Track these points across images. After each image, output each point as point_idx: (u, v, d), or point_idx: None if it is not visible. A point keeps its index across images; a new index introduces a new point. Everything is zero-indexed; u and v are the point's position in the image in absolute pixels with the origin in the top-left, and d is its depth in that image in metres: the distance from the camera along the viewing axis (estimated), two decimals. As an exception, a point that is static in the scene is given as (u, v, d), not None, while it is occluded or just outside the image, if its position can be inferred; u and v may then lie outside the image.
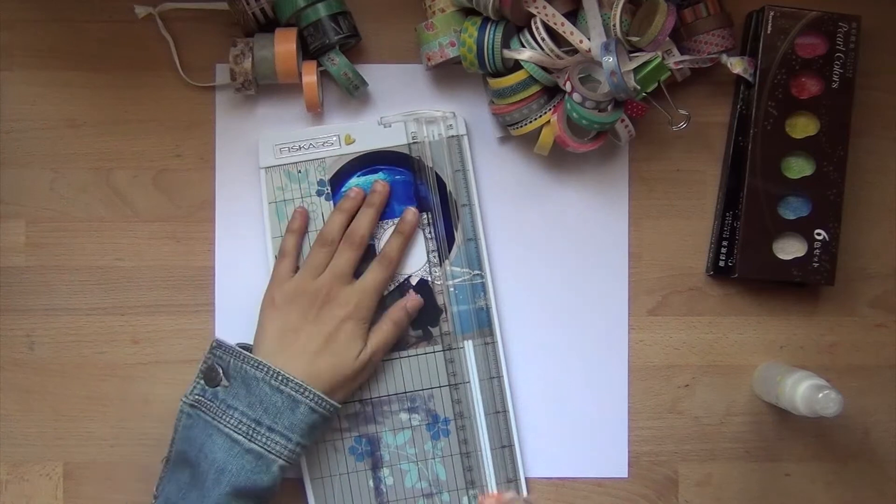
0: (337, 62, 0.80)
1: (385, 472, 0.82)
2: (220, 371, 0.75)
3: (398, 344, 0.82)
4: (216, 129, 0.83)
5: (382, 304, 0.82)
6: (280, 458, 0.73)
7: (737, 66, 0.80)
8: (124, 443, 0.84)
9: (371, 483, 0.82)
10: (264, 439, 0.73)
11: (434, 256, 0.82)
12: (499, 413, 0.82)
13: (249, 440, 0.73)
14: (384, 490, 0.82)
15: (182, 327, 0.84)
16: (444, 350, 0.82)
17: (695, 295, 0.85)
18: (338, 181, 0.83)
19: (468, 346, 0.82)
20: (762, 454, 0.85)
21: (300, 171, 0.82)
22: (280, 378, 0.74)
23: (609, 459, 0.84)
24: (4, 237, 0.83)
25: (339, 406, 0.77)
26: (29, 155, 0.83)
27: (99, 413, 0.84)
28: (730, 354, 0.85)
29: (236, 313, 0.83)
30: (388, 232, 0.82)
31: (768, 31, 0.80)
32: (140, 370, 0.83)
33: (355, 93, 0.82)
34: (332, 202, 0.82)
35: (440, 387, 0.82)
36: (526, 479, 0.83)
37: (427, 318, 0.83)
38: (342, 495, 0.82)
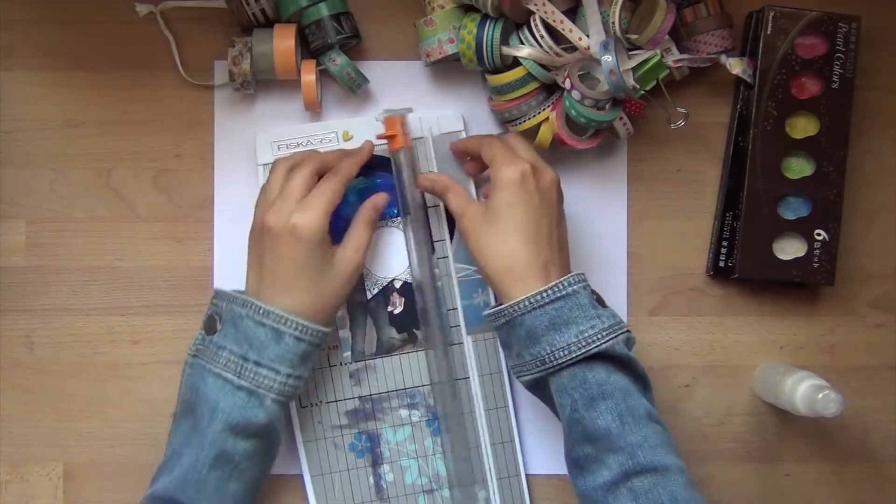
0: (338, 62, 0.80)
1: (385, 468, 0.82)
2: (217, 318, 0.74)
3: (385, 347, 0.82)
4: (215, 129, 0.83)
5: (366, 309, 0.82)
6: (270, 391, 0.72)
7: (736, 66, 0.80)
8: (124, 443, 0.84)
9: (371, 479, 0.82)
10: (252, 374, 0.72)
11: (415, 259, 0.82)
12: (499, 409, 0.82)
13: (238, 377, 0.72)
14: (384, 486, 0.82)
15: (182, 327, 0.84)
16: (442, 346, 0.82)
17: (695, 295, 0.85)
18: None
19: (467, 342, 0.82)
20: (762, 454, 0.85)
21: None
22: (261, 311, 0.72)
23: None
24: (4, 237, 0.83)
25: (327, 330, 0.75)
26: (29, 155, 0.83)
27: (99, 413, 0.84)
28: (730, 354, 0.85)
29: (236, 313, 0.83)
30: (385, 230, 0.82)
31: (768, 32, 0.80)
32: (140, 370, 0.83)
33: (357, 90, 0.82)
34: None
35: (440, 383, 0.82)
36: (526, 475, 0.83)
37: (412, 321, 0.82)
38: (342, 492, 0.82)
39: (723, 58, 0.80)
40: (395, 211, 0.82)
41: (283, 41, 0.79)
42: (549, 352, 0.70)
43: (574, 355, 0.70)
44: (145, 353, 0.84)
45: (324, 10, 0.79)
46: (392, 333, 0.82)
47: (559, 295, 0.71)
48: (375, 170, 0.82)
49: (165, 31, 0.83)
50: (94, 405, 0.84)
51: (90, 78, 0.83)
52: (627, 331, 0.72)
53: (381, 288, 0.82)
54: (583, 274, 0.73)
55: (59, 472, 0.83)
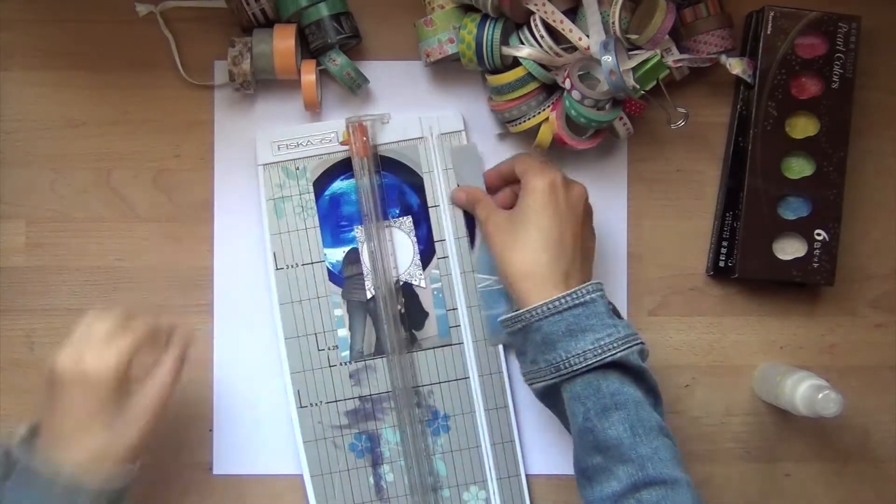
0: (339, 62, 0.80)
1: (385, 468, 0.82)
2: (15, 462, 0.68)
3: (385, 349, 0.82)
4: (215, 129, 0.83)
5: (365, 309, 0.82)
6: None
7: (736, 66, 0.80)
8: (124, 443, 0.83)
9: (371, 480, 0.82)
10: None
11: (418, 259, 0.82)
12: (499, 409, 0.82)
13: None
14: (384, 486, 0.82)
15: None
16: (443, 346, 0.82)
17: (695, 295, 0.85)
18: (322, 184, 0.82)
19: (468, 343, 0.82)
20: (762, 454, 0.85)
21: (298, 168, 0.82)
22: (50, 475, 0.66)
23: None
24: (4, 237, 0.83)
25: (119, 473, 0.68)
26: (29, 155, 0.83)
27: (99, 413, 0.83)
28: (730, 354, 0.85)
29: (236, 313, 0.83)
30: (388, 230, 0.82)
31: (768, 32, 0.80)
32: (140, 370, 0.83)
33: (357, 91, 0.82)
34: (315, 206, 0.82)
35: (440, 383, 0.82)
36: (527, 475, 0.83)
37: (413, 321, 0.82)
38: (342, 492, 0.82)
39: (723, 58, 0.80)
40: (397, 211, 0.82)
41: (283, 41, 0.79)
42: (564, 358, 0.70)
43: (589, 362, 0.69)
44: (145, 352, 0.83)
45: (324, 10, 0.79)
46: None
47: (577, 302, 0.71)
48: (385, 168, 0.82)
49: (165, 31, 0.83)
50: (94, 405, 0.83)
51: (90, 78, 0.83)
52: (642, 342, 0.72)
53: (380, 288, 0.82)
54: (600, 283, 0.73)
55: (59, 472, 0.83)
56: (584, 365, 0.69)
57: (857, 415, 0.85)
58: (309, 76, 0.80)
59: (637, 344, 0.71)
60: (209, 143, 0.84)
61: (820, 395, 0.74)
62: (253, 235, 0.83)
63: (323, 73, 0.83)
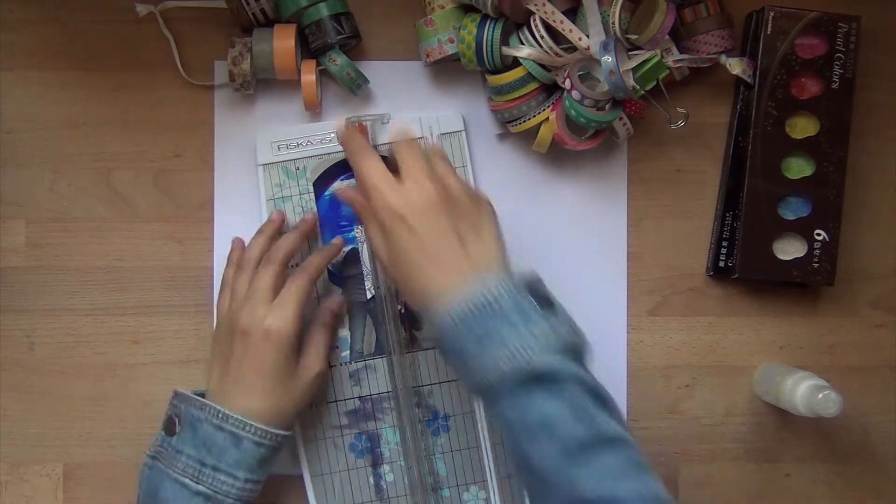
0: (339, 62, 0.80)
1: (385, 468, 0.82)
2: (177, 419, 0.73)
3: (385, 349, 0.82)
4: (215, 129, 0.83)
5: (365, 309, 0.82)
6: (228, 497, 0.71)
7: (736, 67, 0.80)
8: (124, 443, 0.83)
9: (371, 480, 0.82)
10: (210, 480, 0.71)
11: None
12: None
13: (196, 482, 0.71)
14: (384, 486, 0.82)
15: (182, 327, 0.84)
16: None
17: (695, 295, 0.85)
18: (322, 184, 0.82)
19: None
20: (762, 454, 0.85)
21: (298, 168, 0.82)
22: (220, 415, 0.71)
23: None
24: (4, 237, 0.83)
25: (288, 433, 0.74)
26: (29, 155, 0.83)
27: (99, 413, 0.83)
28: (730, 355, 0.85)
29: (236, 313, 0.83)
30: None
31: (768, 32, 0.80)
32: (140, 370, 0.83)
33: (357, 91, 0.82)
34: (315, 205, 0.82)
35: (439, 383, 0.82)
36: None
37: (412, 321, 0.82)
38: (342, 492, 0.82)
39: (723, 58, 0.80)
40: None
41: (283, 41, 0.79)
42: (479, 378, 0.63)
43: (505, 379, 0.61)
44: (145, 353, 0.84)
45: (324, 11, 0.79)
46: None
47: (479, 303, 0.63)
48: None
49: (165, 31, 0.83)
50: (94, 405, 0.83)
51: (90, 78, 0.83)
52: (570, 338, 0.64)
53: (378, 288, 0.82)
54: (506, 273, 0.66)
55: (59, 472, 0.83)
56: (501, 383, 0.62)
57: (857, 415, 0.85)
58: (309, 76, 0.80)
59: (560, 341, 0.62)
60: (209, 143, 0.84)
61: (820, 395, 0.74)
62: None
63: (323, 73, 0.83)
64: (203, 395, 0.74)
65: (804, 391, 0.76)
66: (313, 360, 0.76)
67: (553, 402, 0.61)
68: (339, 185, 0.81)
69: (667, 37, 0.78)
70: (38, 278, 0.83)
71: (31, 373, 0.83)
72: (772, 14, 0.80)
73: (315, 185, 0.82)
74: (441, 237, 0.66)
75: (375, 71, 0.83)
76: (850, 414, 0.84)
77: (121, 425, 0.83)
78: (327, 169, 0.82)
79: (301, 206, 0.82)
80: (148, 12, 0.82)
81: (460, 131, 0.83)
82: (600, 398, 0.63)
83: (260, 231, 0.79)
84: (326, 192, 0.83)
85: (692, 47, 0.81)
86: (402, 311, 0.82)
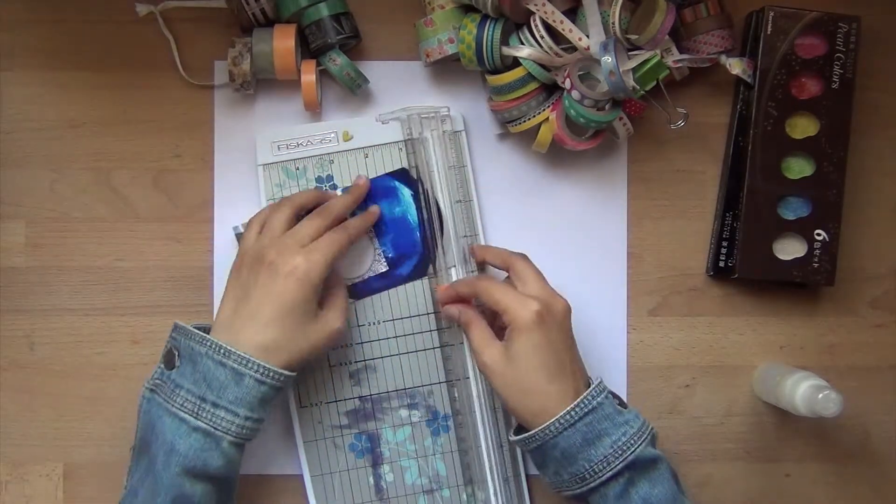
0: (339, 62, 0.80)
1: (385, 468, 0.82)
2: (176, 352, 0.73)
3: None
4: (215, 129, 0.83)
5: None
6: (227, 434, 0.70)
7: (735, 66, 0.80)
8: (124, 443, 0.83)
9: (371, 480, 0.82)
10: (209, 416, 0.70)
11: (380, 257, 0.82)
12: (499, 409, 0.82)
13: (195, 417, 0.70)
14: (384, 487, 0.82)
15: (182, 327, 0.84)
16: (442, 347, 0.82)
17: (695, 295, 0.85)
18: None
19: (466, 342, 0.82)
20: (762, 454, 0.85)
21: (298, 168, 0.82)
22: (222, 351, 0.70)
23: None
24: (4, 237, 0.83)
25: (292, 374, 0.73)
26: (29, 155, 0.83)
27: (99, 413, 0.84)
28: (730, 355, 0.85)
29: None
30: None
31: (768, 32, 0.80)
32: (140, 370, 0.83)
33: (357, 91, 0.82)
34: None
35: (439, 383, 0.82)
36: (526, 475, 0.83)
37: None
38: (342, 492, 0.82)
39: (723, 58, 0.80)
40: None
41: (283, 41, 0.79)
42: (587, 468, 0.71)
43: (613, 467, 0.70)
44: (145, 353, 0.84)
45: (324, 11, 0.79)
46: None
47: (587, 410, 0.71)
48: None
49: (165, 31, 0.83)
50: (94, 405, 0.84)
51: (90, 78, 0.83)
52: (653, 428, 0.73)
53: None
54: (601, 381, 0.73)
55: (59, 472, 0.83)
56: (608, 471, 0.70)
57: (857, 415, 0.85)
58: (309, 76, 0.80)
59: (650, 432, 0.72)
60: (209, 143, 0.84)
61: (820, 395, 0.74)
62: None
63: (323, 74, 0.83)
64: (206, 331, 0.73)
65: (804, 391, 0.76)
66: (334, 316, 0.76)
67: (654, 488, 0.71)
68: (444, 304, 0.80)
69: (667, 37, 0.78)
70: (38, 278, 0.83)
71: (31, 373, 0.83)
72: (772, 14, 0.80)
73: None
74: (567, 353, 0.73)
75: (375, 71, 0.83)
76: (850, 414, 0.84)
77: (121, 425, 0.83)
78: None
79: None
80: (148, 12, 0.82)
81: (460, 131, 0.83)
82: (676, 477, 0.74)
83: (315, 189, 0.80)
84: None
85: (692, 47, 0.81)
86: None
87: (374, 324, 0.83)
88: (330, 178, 0.83)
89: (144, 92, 0.84)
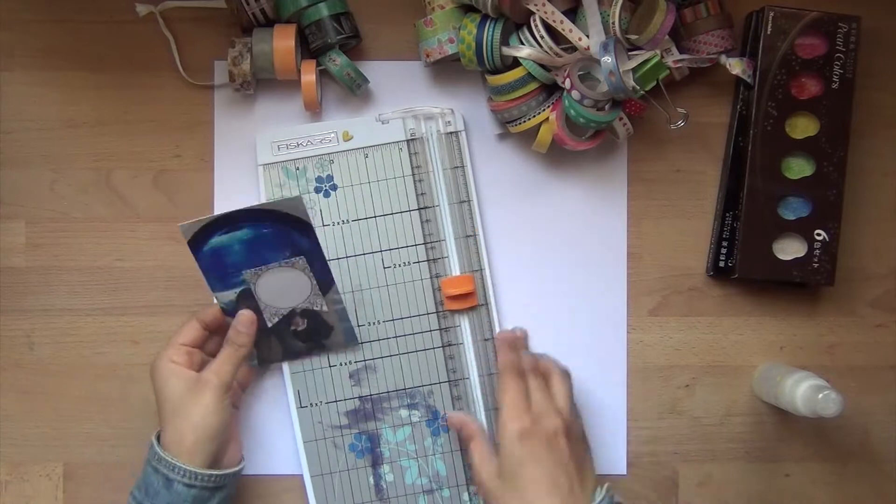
0: (339, 62, 0.80)
1: (385, 468, 0.82)
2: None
3: (291, 353, 0.82)
4: (215, 129, 0.84)
5: (269, 331, 0.81)
6: None
7: (735, 66, 0.80)
8: (124, 443, 0.84)
9: (371, 480, 0.82)
10: None
11: (317, 289, 0.80)
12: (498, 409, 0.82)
13: None
14: (384, 486, 0.82)
15: (182, 327, 0.84)
16: (443, 347, 0.82)
17: (695, 295, 0.85)
18: (196, 243, 0.77)
19: (467, 342, 0.82)
20: (762, 454, 0.85)
21: (298, 169, 0.82)
22: (156, 457, 0.73)
23: (608, 457, 0.84)
24: (4, 237, 0.83)
25: (223, 472, 0.74)
26: (29, 155, 0.83)
27: (99, 413, 0.84)
28: (730, 355, 0.85)
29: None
30: (284, 269, 0.79)
31: (768, 32, 0.80)
32: (140, 370, 0.83)
33: (357, 91, 0.82)
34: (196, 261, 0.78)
35: (439, 383, 0.82)
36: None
37: (317, 333, 0.81)
38: (342, 492, 0.82)
39: (723, 58, 0.80)
40: (288, 253, 0.78)
41: (283, 41, 0.79)
42: None
43: None
44: (145, 353, 0.84)
45: (324, 11, 0.80)
46: (297, 344, 0.82)
47: None
48: (258, 221, 0.77)
49: (165, 31, 0.83)
50: (94, 405, 0.84)
51: (90, 78, 0.83)
52: None
53: (281, 317, 0.81)
54: (608, 487, 0.73)
55: (59, 472, 0.83)
56: None
57: (857, 415, 0.85)
58: (309, 76, 0.80)
59: None
60: (209, 143, 0.84)
61: (820, 395, 0.74)
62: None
63: (323, 73, 0.83)
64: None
65: (804, 391, 0.76)
66: (209, 375, 0.75)
67: None
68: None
69: (667, 37, 0.78)
70: (38, 278, 0.83)
71: (31, 373, 0.83)
72: (772, 14, 0.80)
73: (191, 243, 0.76)
74: (561, 468, 0.72)
75: (375, 71, 0.83)
76: (850, 414, 0.84)
77: (121, 425, 0.83)
78: (200, 229, 0.76)
79: None
80: (148, 12, 0.82)
81: (460, 131, 0.83)
82: None
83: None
84: (205, 248, 0.77)
85: (692, 47, 0.81)
86: (303, 328, 0.81)
87: (373, 324, 0.83)
88: (330, 178, 0.83)
89: (144, 92, 0.84)
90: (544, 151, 0.82)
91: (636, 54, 0.76)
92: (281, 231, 0.77)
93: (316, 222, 0.82)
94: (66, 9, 0.83)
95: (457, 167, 0.83)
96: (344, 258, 0.83)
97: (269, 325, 0.80)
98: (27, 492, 0.83)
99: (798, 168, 0.82)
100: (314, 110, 0.83)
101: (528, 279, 0.84)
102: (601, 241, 0.85)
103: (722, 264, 0.83)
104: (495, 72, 0.79)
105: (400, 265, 0.83)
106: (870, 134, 0.85)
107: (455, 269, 0.83)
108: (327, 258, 0.79)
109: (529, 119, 0.79)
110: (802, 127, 0.82)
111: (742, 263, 0.82)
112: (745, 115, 0.82)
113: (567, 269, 0.84)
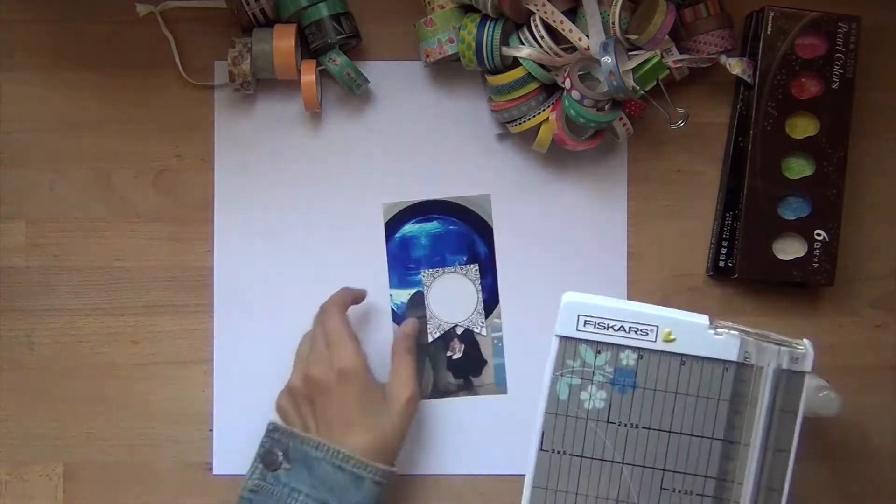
0: (339, 62, 0.80)
1: None
2: (280, 454, 0.74)
3: (441, 391, 0.82)
4: (215, 129, 0.84)
5: (426, 352, 0.82)
6: None
7: (735, 67, 0.80)
8: (124, 443, 0.83)
9: None
10: None
11: (481, 308, 0.82)
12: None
13: None
14: None
15: (182, 327, 0.84)
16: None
17: (695, 295, 0.85)
18: (392, 227, 0.83)
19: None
20: (762, 454, 0.85)
21: (600, 352, 0.71)
22: (340, 456, 0.72)
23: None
24: (4, 237, 0.83)
25: (396, 470, 0.75)
26: (29, 155, 0.83)
27: (99, 413, 0.84)
28: (730, 355, 0.85)
29: (235, 313, 0.83)
30: (454, 276, 0.83)
31: (768, 32, 0.80)
32: (140, 370, 0.83)
33: (357, 91, 0.82)
34: (385, 251, 0.82)
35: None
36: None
37: (469, 367, 0.82)
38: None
39: (723, 58, 0.80)
40: (465, 258, 0.83)
41: (283, 41, 0.79)
42: None
43: None
44: (145, 353, 0.84)
45: (324, 11, 0.80)
46: (449, 378, 0.82)
47: None
48: (450, 215, 0.83)
49: (165, 31, 0.83)
50: (94, 405, 0.84)
51: (90, 78, 0.83)
52: None
53: (442, 332, 0.82)
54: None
55: (59, 472, 0.83)
56: None
57: (857, 415, 0.85)
58: (309, 76, 0.80)
59: None
60: (209, 143, 0.84)
61: (820, 395, 0.74)
62: (253, 236, 0.83)
63: (323, 74, 0.83)
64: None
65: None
66: (400, 386, 0.76)
67: None
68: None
69: (667, 37, 0.78)
70: (38, 278, 0.83)
71: (31, 373, 0.83)
72: (772, 14, 0.80)
73: (386, 227, 0.82)
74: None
75: (375, 71, 0.83)
76: (850, 414, 0.84)
77: (121, 425, 0.83)
78: (397, 213, 0.83)
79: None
80: (148, 12, 0.82)
81: (807, 372, 0.69)
82: None
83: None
84: (397, 234, 0.83)
85: (692, 47, 0.81)
86: (459, 356, 0.82)
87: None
88: (632, 373, 0.71)
89: (144, 92, 0.84)
90: (544, 151, 0.82)
91: (636, 54, 0.76)
92: (465, 231, 0.79)
93: (600, 416, 0.71)
94: (66, 9, 0.83)
95: (785, 411, 0.70)
96: (619, 463, 0.71)
97: (431, 339, 0.81)
98: (27, 492, 0.83)
99: (798, 168, 0.82)
100: (314, 110, 0.83)
101: (527, 279, 0.84)
102: (601, 241, 0.85)
103: (722, 264, 0.83)
104: (495, 72, 0.79)
105: (680, 491, 0.70)
106: (870, 134, 0.85)
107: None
108: (601, 457, 0.70)
109: (529, 119, 0.79)
110: (802, 127, 0.82)
111: (742, 263, 0.82)
112: (745, 115, 0.82)
113: (567, 269, 0.84)
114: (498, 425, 0.83)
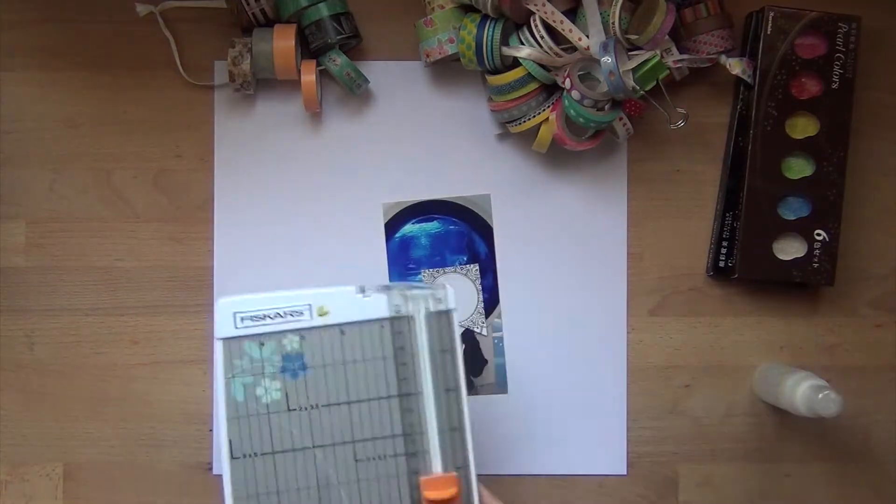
0: (339, 62, 0.80)
1: None
2: None
3: None
4: (215, 129, 0.84)
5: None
6: None
7: (735, 66, 0.80)
8: (124, 443, 0.84)
9: None
10: None
11: (481, 308, 0.82)
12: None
13: None
14: None
15: (182, 327, 0.84)
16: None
17: (695, 295, 0.85)
18: (392, 227, 0.83)
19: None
20: (762, 454, 0.85)
21: (263, 345, 0.70)
22: None
23: (608, 457, 0.84)
24: (4, 237, 0.83)
25: None
26: (29, 155, 0.83)
27: (99, 413, 0.84)
28: (730, 355, 0.85)
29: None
30: (452, 276, 0.83)
31: (768, 32, 0.80)
32: (140, 370, 0.83)
33: (357, 91, 0.82)
34: (385, 251, 0.82)
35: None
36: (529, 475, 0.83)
37: (471, 368, 0.82)
38: None
39: (723, 58, 0.80)
40: (465, 258, 0.83)
41: (283, 41, 0.79)
42: None
43: None
44: (145, 353, 0.84)
45: (324, 11, 0.80)
46: None
47: None
48: (450, 215, 0.83)
49: (165, 31, 0.83)
50: (94, 405, 0.84)
51: (90, 78, 0.83)
52: None
53: None
54: None
55: (59, 472, 0.83)
56: None
57: (857, 415, 0.85)
58: (309, 76, 0.80)
59: None
60: (209, 143, 0.84)
61: (820, 395, 0.74)
62: (253, 236, 0.83)
63: (323, 73, 0.83)
64: None
65: (804, 391, 0.76)
66: None
67: None
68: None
69: (667, 37, 0.78)
70: (38, 278, 0.83)
71: (31, 373, 0.83)
72: (772, 14, 0.80)
73: (386, 226, 0.83)
74: None
75: (375, 71, 0.83)
76: (850, 414, 0.84)
77: (121, 425, 0.83)
78: (397, 213, 0.83)
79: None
80: (148, 12, 0.82)
81: (452, 310, 0.71)
82: None
83: None
84: (397, 234, 0.83)
85: (692, 47, 0.81)
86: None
87: None
88: (300, 356, 0.70)
89: (144, 92, 0.84)
90: (544, 151, 0.82)
91: (636, 54, 0.76)
92: (465, 231, 0.79)
93: (279, 406, 0.70)
94: (67, 9, 0.83)
95: (445, 351, 0.71)
96: (310, 448, 0.70)
97: None
98: (27, 492, 0.83)
99: (798, 168, 0.82)
100: (314, 110, 0.83)
101: (527, 279, 0.84)
102: (601, 241, 0.85)
103: (722, 264, 0.83)
104: (495, 72, 0.79)
105: (374, 458, 0.70)
106: (870, 134, 0.85)
107: (437, 466, 0.71)
108: (291, 447, 0.69)
109: (529, 119, 0.79)
110: (802, 127, 0.82)
111: (742, 263, 0.82)
112: (745, 115, 0.82)
113: (567, 269, 0.84)
114: (498, 425, 0.83)
